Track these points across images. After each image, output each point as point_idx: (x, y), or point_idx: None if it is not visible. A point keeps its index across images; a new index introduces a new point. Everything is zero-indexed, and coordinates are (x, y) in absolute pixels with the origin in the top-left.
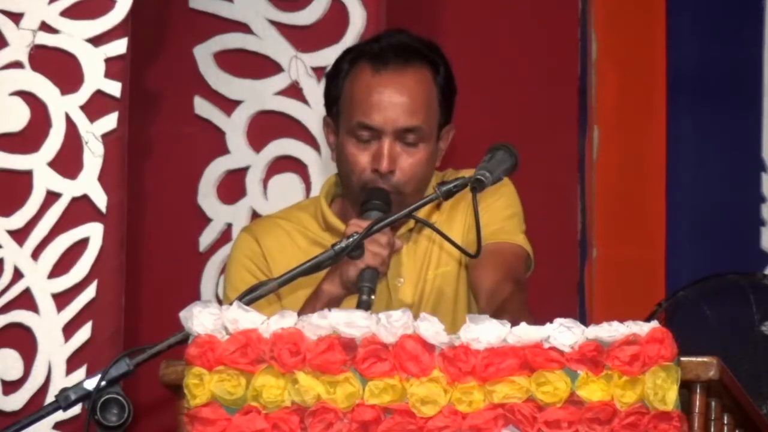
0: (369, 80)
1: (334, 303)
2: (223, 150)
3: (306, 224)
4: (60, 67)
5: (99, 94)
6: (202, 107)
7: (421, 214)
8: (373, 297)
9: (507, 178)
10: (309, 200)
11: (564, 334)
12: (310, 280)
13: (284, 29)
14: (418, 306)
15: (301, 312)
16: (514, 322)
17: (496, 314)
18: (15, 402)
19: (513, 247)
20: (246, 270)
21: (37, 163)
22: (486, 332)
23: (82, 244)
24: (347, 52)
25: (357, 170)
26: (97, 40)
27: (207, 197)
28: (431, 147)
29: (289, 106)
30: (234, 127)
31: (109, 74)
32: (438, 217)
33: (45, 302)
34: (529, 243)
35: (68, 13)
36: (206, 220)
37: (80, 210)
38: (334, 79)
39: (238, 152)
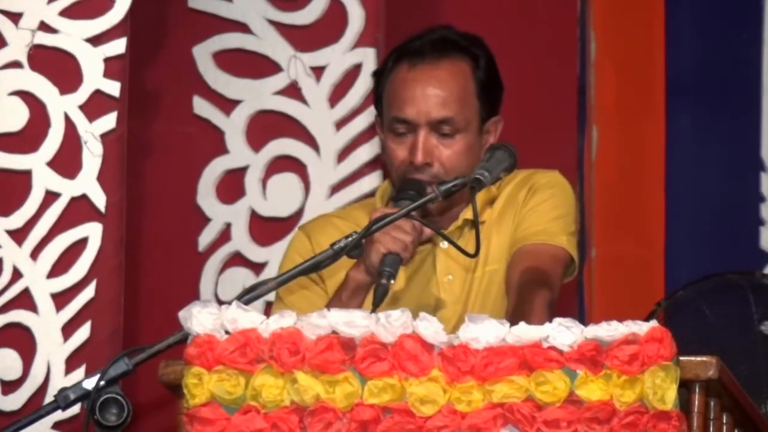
0: (405, 75)
1: (361, 289)
2: (222, 150)
3: (361, 222)
4: (59, 67)
5: (98, 93)
6: (201, 107)
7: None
8: (392, 282)
9: (562, 177)
10: (367, 200)
11: (563, 333)
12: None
13: (283, 29)
14: (465, 303)
15: (332, 298)
16: (528, 323)
17: (514, 315)
18: (14, 402)
19: (552, 249)
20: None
21: (36, 163)
22: (485, 332)
23: (81, 244)
24: (393, 51)
25: (395, 164)
26: (96, 40)
27: (206, 197)
28: (470, 138)
29: (288, 106)
30: (233, 127)
31: (108, 74)
32: (489, 215)
33: (44, 302)
34: (575, 246)
35: (67, 12)
36: (205, 220)
37: (79, 210)
38: (380, 78)
39: (237, 152)
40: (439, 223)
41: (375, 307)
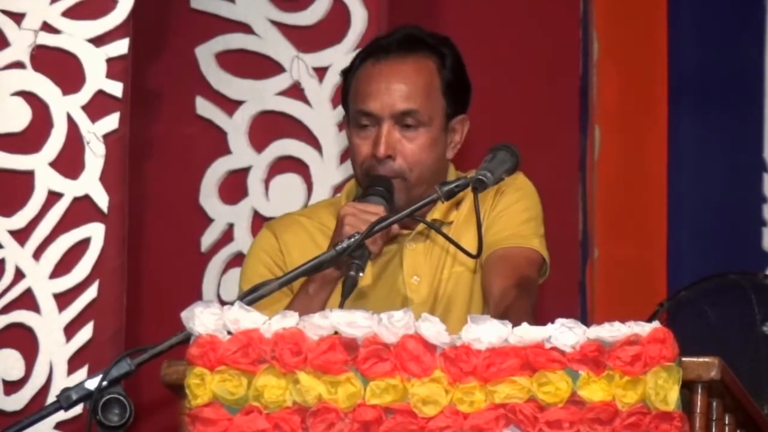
0: (370, 70)
1: (328, 283)
2: (225, 150)
3: (326, 222)
4: (61, 68)
5: (100, 94)
6: (204, 107)
7: (440, 211)
8: (361, 274)
9: (527, 179)
10: (333, 199)
11: (565, 334)
12: None
13: (286, 29)
14: (432, 304)
15: (298, 292)
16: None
17: (499, 319)
18: (16, 402)
19: (526, 252)
20: (262, 264)
21: (39, 164)
22: (487, 332)
23: (83, 245)
24: (361, 50)
25: (360, 159)
26: (98, 41)
27: (208, 197)
28: (433, 134)
29: (291, 107)
30: (235, 128)
31: (110, 74)
32: (456, 217)
33: (46, 302)
34: (546, 247)
35: (70, 13)
36: (208, 221)
37: (82, 210)
38: (347, 76)
39: (240, 152)
40: (407, 223)
41: (344, 299)
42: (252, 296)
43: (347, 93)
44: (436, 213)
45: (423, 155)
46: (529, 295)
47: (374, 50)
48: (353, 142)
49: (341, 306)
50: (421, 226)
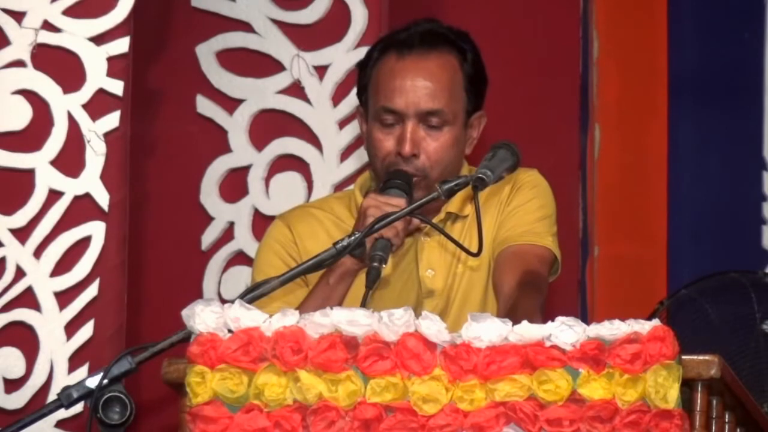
0: (393, 66)
1: (348, 275)
2: (225, 148)
3: (339, 213)
4: (62, 66)
5: (101, 92)
6: (204, 106)
7: (455, 205)
8: (383, 266)
9: (543, 177)
10: (345, 191)
11: (565, 332)
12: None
13: (286, 28)
14: (446, 298)
15: (317, 284)
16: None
17: (507, 317)
18: (17, 400)
19: (539, 249)
20: (275, 255)
21: (40, 162)
22: (488, 330)
23: (84, 243)
24: (378, 42)
25: (381, 154)
26: (99, 39)
27: (209, 196)
28: (456, 131)
29: (291, 105)
30: (236, 126)
31: (111, 73)
32: (471, 210)
33: (47, 300)
34: (558, 246)
35: (70, 11)
36: (208, 219)
37: (82, 208)
38: (364, 68)
39: (240, 151)
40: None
41: (368, 290)
42: (253, 294)
43: (365, 85)
44: (451, 206)
45: (445, 153)
46: (538, 292)
47: (395, 44)
48: (375, 137)
49: (365, 297)
50: (435, 220)
